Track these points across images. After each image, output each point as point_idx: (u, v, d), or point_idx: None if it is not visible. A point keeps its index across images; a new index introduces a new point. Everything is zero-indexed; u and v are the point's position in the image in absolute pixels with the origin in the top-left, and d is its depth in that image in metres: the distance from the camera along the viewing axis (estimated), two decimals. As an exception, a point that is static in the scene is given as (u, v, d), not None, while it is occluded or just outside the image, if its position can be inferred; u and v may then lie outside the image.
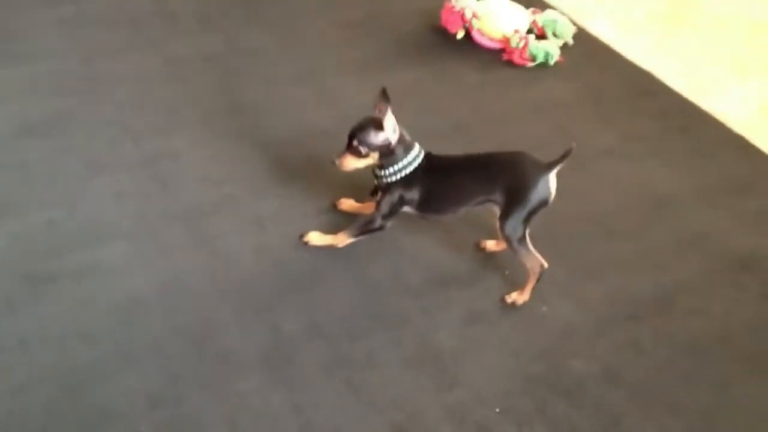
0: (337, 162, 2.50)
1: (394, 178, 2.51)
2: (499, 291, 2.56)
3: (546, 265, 2.48)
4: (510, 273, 2.61)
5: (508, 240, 2.46)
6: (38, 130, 3.02)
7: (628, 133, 3.40)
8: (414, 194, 2.52)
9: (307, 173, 2.94)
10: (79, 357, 2.24)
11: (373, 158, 2.49)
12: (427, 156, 2.53)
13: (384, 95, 2.39)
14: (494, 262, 2.66)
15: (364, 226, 2.60)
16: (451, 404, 2.22)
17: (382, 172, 2.52)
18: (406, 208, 2.57)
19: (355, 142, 2.46)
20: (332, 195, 2.82)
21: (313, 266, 2.59)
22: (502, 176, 2.44)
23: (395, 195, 2.53)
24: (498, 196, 2.43)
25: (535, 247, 2.48)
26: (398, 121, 2.47)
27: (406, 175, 2.50)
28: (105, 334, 2.31)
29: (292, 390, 2.21)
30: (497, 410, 2.21)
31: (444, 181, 2.52)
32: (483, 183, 2.48)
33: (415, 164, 2.50)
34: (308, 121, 3.22)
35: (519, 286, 2.54)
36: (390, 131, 2.45)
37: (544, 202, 2.42)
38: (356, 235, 2.61)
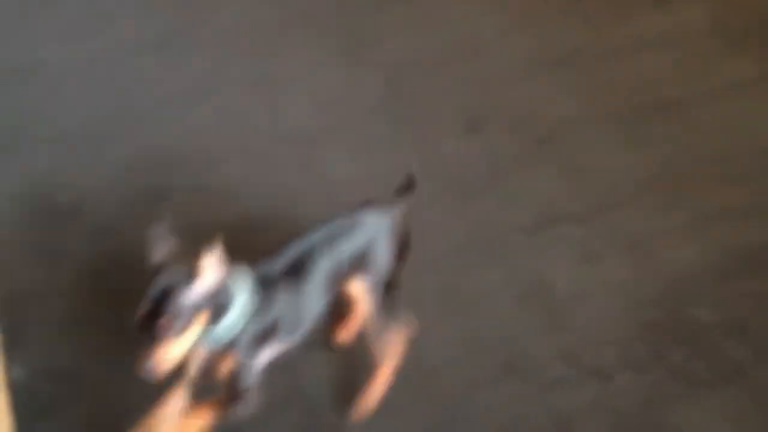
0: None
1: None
2: (616, 231, 2.44)
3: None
4: (631, 213, 2.48)
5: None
6: (151, 48, 3.02)
7: (762, 68, 3.10)
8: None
9: (423, 99, 2.85)
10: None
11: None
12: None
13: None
14: (611, 201, 2.53)
15: None
16: (563, 346, 2.15)
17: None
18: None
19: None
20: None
21: (422, 198, 2.52)
22: None
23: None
24: None
25: (655, 188, 2.33)
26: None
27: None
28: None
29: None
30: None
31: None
32: None
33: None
34: (422, 46, 3.10)
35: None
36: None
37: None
38: None
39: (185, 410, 1.78)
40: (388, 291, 1.91)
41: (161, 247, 1.64)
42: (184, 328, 1.59)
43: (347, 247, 1.83)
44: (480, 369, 2.09)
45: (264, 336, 1.78)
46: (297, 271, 1.80)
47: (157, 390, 1.76)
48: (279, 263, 1.81)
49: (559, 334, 2.17)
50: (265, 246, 1.83)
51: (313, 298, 1.82)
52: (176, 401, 1.79)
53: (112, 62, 2.94)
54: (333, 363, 2.10)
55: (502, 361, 2.11)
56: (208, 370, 1.78)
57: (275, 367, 1.84)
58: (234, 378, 1.75)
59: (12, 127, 2.69)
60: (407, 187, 1.97)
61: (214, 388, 1.76)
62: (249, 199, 2.49)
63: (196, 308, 1.61)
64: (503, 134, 2.73)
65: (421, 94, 2.88)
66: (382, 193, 1.97)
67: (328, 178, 2.58)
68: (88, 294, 2.24)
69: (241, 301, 1.71)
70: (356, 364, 2.06)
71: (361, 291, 1.90)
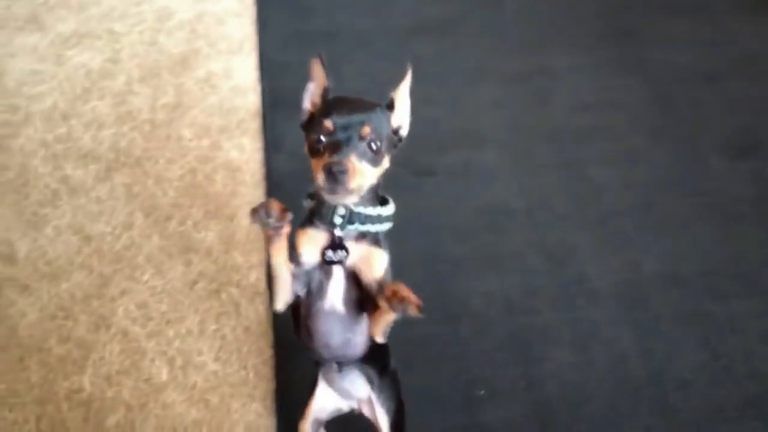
0: (342, 176, 1.38)
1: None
2: None
3: None
4: None
5: None
6: (430, 31, 3.21)
7: None
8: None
9: (689, 114, 2.84)
10: (446, 250, 2.43)
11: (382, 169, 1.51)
12: None
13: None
14: None
15: None
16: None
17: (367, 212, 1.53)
18: None
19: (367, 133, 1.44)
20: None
21: (679, 215, 2.52)
22: None
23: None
24: None
25: None
26: None
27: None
28: (472, 234, 2.47)
29: (642, 332, 2.22)
30: None
31: None
32: None
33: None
34: (697, 59, 3.07)
35: None
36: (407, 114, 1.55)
37: None
38: None
39: None
40: None
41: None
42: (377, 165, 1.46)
43: None
44: (724, 400, 2.08)
45: None
46: None
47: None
48: None
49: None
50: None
51: None
52: None
53: (395, 39, 3.15)
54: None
55: (747, 397, 2.09)
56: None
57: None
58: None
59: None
60: None
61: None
62: (508, 186, 2.61)
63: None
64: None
65: (688, 110, 2.87)
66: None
67: (581, 178, 2.66)
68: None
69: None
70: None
71: None
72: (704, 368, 2.14)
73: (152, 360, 2.14)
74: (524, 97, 2.93)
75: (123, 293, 2.27)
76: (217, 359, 2.14)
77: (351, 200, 1.46)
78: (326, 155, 1.40)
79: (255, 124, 2.74)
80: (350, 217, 1.51)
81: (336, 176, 1.37)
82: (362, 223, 1.52)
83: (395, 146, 1.55)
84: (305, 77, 1.61)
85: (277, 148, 2.65)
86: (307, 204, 1.58)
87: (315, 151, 1.44)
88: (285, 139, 2.67)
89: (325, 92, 1.53)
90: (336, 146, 1.40)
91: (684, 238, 2.46)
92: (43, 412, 2.04)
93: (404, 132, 1.57)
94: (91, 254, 2.36)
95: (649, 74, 3.01)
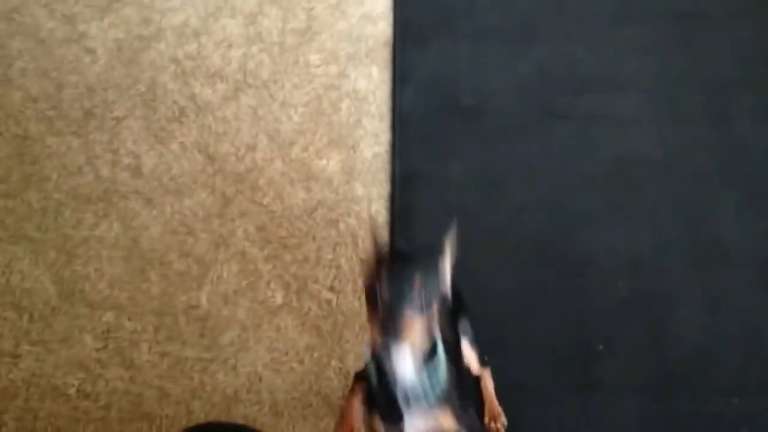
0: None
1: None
2: None
3: None
4: None
5: None
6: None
7: None
8: None
9: None
10: (575, 199, 2.31)
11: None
12: None
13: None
14: None
15: None
16: None
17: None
18: None
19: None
20: None
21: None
22: None
23: None
24: None
25: None
26: None
27: None
28: (604, 184, 2.34)
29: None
30: None
31: None
32: None
33: None
34: None
35: None
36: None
37: None
38: None
39: None
40: None
41: None
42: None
43: None
44: None
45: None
46: None
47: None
48: None
49: None
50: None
51: None
52: None
53: None
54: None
55: None
56: None
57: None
58: None
59: (441, 13, 2.74)
60: None
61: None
62: (648, 134, 2.46)
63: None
64: None
65: None
66: None
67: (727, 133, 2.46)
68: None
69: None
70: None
71: None
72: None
73: (268, 283, 2.14)
74: (673, 41, 2.69)
75: (243, 215, 2.28)
76: (331, 288, 2.13)
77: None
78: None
79: (384, 54, 2.64)
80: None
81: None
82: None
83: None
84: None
85: (406, 81, 2.55)
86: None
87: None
88: (414, 72, 2.57)
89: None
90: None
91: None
92: (161, 324, 2.08)
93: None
94: (214, 173, 2.37)
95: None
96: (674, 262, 2.17)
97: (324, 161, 2.39)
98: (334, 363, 2.01)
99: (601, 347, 2.03)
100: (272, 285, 2.14)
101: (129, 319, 2.10)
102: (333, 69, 2.62)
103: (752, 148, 2.41)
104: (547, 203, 2.29)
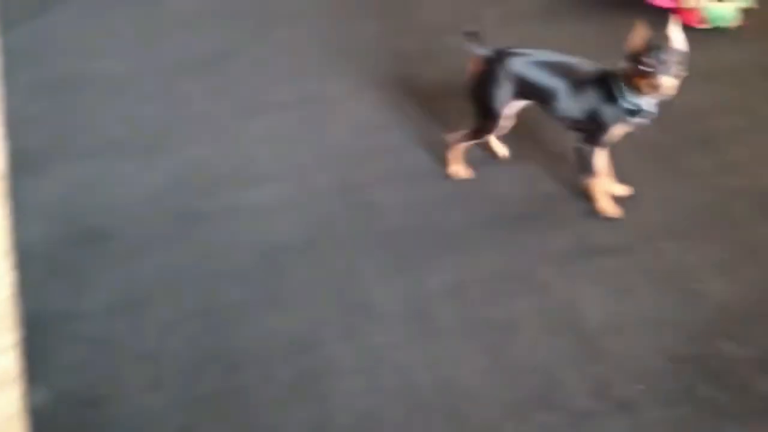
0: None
1: None
2: (649, 264, 2.44)
3: None
4: (666, 246, 2.50)
5: None
6: (197, 67, 3.11)
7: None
8: None
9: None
10: (227, 297, 2.31)
11: None
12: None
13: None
14: (646, 233, 2.54)
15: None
16: (592, 377, 2.14)
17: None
18: None
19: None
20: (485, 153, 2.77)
21: (459, 224, 2.56)
22: None
23: None
24: None
25: (691, 221, 2.36)
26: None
27: None
28: (252, 275, 2.37)
29: (430, 347, 2.20)
30: (641, 387, 2.12)
31: None
32: None
33: None
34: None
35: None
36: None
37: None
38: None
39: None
40: None
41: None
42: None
43: None
44: (510, 399, 2.09)
45: None
46: None
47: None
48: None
49: (590, 366, 2.17)
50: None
51: None
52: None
53: (161, 79, 3.04)
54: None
55: (532, 392, 2.11)
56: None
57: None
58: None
59: (57, 137, 2.73)
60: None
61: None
62: (288, 220, 2.55)
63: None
64: (539, 164, 2.76)
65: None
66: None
67: (366, 202, 2.63)
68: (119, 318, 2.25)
69: None
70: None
71: None
72: (488, 372, 2.14)
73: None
74: (300, 126, 2.87)
75: None
76: None
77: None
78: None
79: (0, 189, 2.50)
80: None
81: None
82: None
83: None
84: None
85: (26, 213, 2.41)
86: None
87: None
88: (34, 202, 2.45)
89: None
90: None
91: (466, 251, 2.48)
92: None
93: None
94: None
95: (415, 90, 3.05)
96: (330, 335, 2.23)
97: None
98: None
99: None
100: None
101: None
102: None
103: (386, 209, 2.59)
104: (199, 309, 2.26)
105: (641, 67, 2.28)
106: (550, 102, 2.47)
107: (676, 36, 2.32)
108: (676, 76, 2.28)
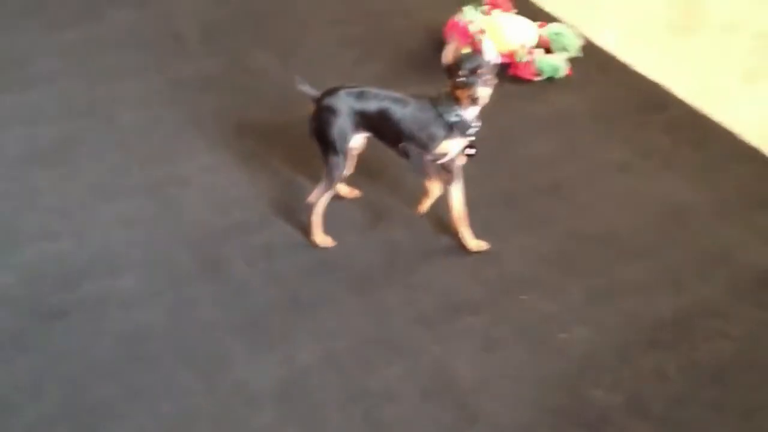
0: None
1: None
2: (514, 317, 2.50)
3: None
4: (527, 298, 2.56)
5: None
6: (44, 156, 3.00)
7: (640, 147, 3.34)
8: None
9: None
10: (92, 394, 2.19)
11: None
12: None
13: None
14: (508, 286, 2.61)
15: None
16: (471, 438, 2.17)
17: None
18: None
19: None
20: (345, 220, 2.78)
21: (325, 294, 2.55)
22: None
23: None
24: None
25: (549, 270, 2.43)
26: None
27: None
28: (116, 368, 2.27)
29: (307, 426, 2.15)
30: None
31: None
32: None
33: None
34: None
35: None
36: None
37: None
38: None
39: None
40: None
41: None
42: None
43: None
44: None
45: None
46: None
47: None
48: None
49: (466, 427, 2.18)
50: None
51: None
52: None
53: (3, 172, 2.90)
54: None
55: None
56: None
57: None
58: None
59: None
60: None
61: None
62: (150, 307, 2.45)
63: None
64: (398, 227, 2.80)
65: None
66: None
67: (230, 280, 2.58)
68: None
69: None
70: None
71: None
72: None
73: None
74: (155, 209, 2.80)
75: None
76: None
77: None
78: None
79: None
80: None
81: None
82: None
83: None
84: None
85: None
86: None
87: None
88: None
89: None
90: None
91: (334, 319, 2.47)
92: None
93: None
94: None
95: (268, 164, 3.06)
96: (204, 424, 2.14)
97: None
98: None
99: None
100: None
101: None
102: None
103: (251, 285, 2.54)
104: (65, 410, 2.13)
105: (458, 80, 2.47)
106: (386, 125, 2.55)
107: (488, 49, 2.52)
108: (489, 85, 2.48)
